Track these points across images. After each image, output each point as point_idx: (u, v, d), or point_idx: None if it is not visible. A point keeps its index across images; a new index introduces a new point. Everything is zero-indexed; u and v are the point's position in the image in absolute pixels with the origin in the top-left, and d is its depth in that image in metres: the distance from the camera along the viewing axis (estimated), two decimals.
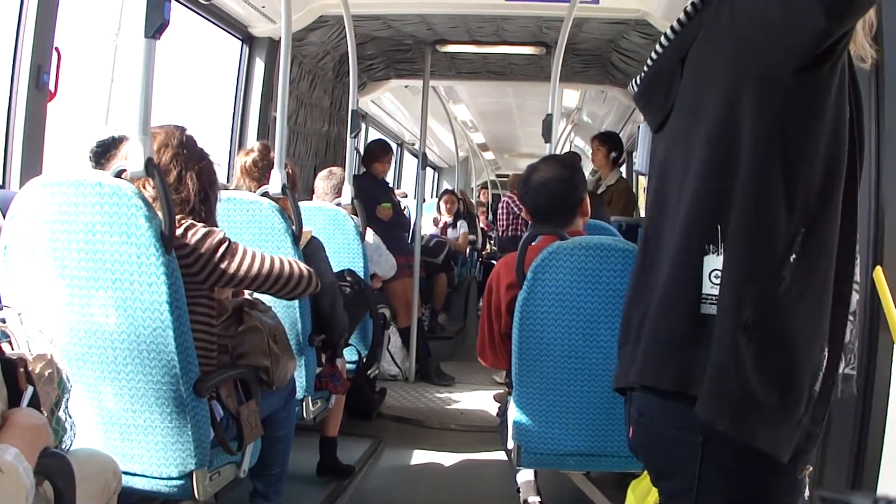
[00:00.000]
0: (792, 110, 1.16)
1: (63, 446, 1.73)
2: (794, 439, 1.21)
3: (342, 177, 4.15)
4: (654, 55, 1.39)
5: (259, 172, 3.03)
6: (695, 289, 1.23)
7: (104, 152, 2.48)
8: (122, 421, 2.04)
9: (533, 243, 2.62)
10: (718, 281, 1.21)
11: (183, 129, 2.19)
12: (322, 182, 4.19)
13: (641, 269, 1.41)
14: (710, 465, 1.24)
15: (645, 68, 1.42)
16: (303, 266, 2.37)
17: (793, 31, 1.12)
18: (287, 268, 2.29)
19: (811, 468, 1.33)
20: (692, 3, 1.31)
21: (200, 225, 2.10)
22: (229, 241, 2.14)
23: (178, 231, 2.02)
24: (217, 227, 2.22)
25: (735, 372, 1.16)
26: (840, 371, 1.29)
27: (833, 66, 1.15)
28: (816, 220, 1.19)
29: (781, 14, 1.12)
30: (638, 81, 1.46)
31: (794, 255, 1.17)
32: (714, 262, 1.22)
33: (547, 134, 3.90)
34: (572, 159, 3.14)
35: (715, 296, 1.21)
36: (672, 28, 1.35)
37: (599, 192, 5.41)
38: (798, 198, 1.17)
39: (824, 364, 1.23)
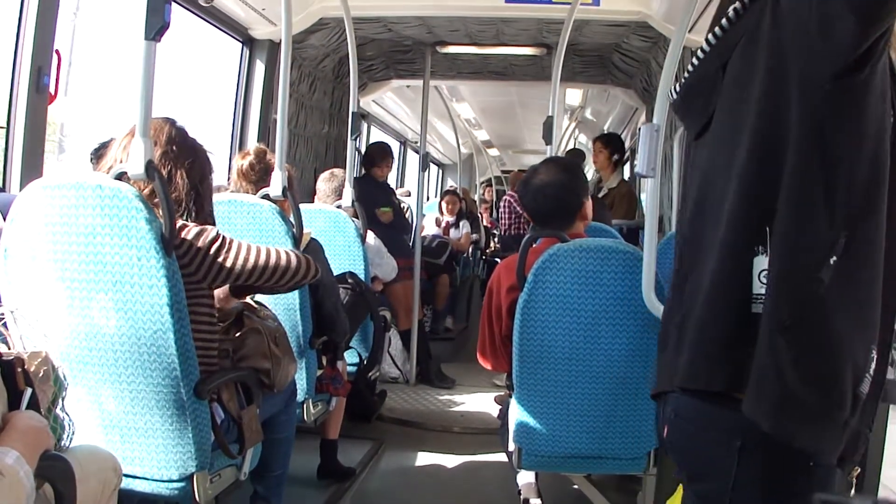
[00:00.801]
0: (832, 115, 1.16)
1: (61, 444, 1.73)
2: (840, 440, 1.20)
3: (343, 179, 4.15)
4: (694, 61, 1.39)
5: (256, 175, 3.02)
6: (745, 289, 1.23)
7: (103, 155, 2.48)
8: (123, 423, 2.04)
9: (534, 245, 2.62)
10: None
11: (172, 123, 2.16)
12: (324, 184, 4.19)
13: (679, 275, 1.41)
14: (746, 470, 1.24)
15: (685, 75, 1.42)
16: (299, 254, 2.34)
17: (829, 38, 1.11)
18: (284, 257, 2.25)
19: (859, 470, 1.34)
20: (734, 9, 1.31)
21: (192, 224, 2.10)
22: (223, 236, 2.13)
23: None
24: (211, 222, 2.21)
25: (775, 372, 1.16)
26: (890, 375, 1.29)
27: (872, 70, 1.15)
28: (860, 224, 1.19)
29: (818, 20, 1.12)
30: (677, 89, 1.45)
31: (834, 258, 1.16)
32: (763, 263, 1.22)
33: (548, 136, 3.90)
34: (573, 162, 3.13)
35: (763, 296, 1.21)
36: (713, 34, 1.35)
37: (601, 195, 5.39)
38: (839, 201, 1.17)
39: (872, 366, 1.23)
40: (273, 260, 2.21)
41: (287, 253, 2.27)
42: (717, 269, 1.27)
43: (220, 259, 2.10)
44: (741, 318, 1.23)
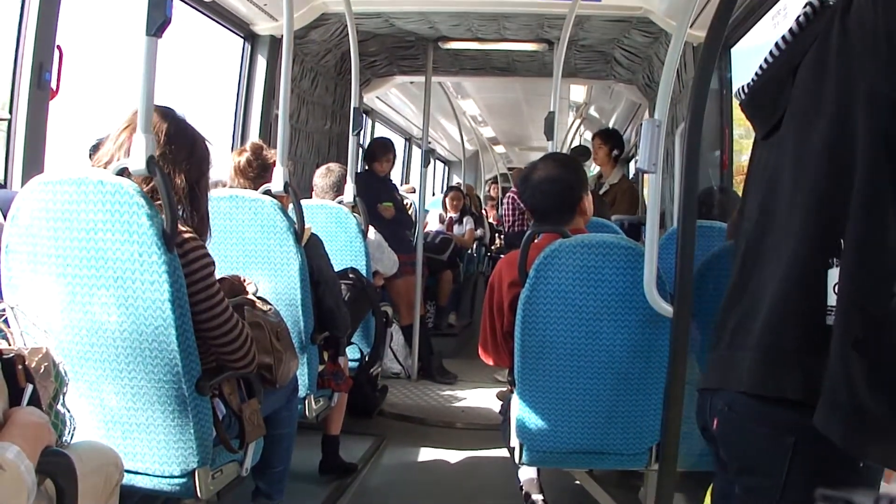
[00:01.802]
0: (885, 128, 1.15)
1: (63, 440, 1.73)
2: None
3: (340, 174, 4.14)
4: (763, 64, 1.38)
5: (253, 172, 3.00)
6: (819, 301, 1.22)
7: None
8: (124, 419, 2.04)
9: (535, 241, 2.62)
10: None
11: (172, 116, 2.10)
12: (320, 180, 4.18)
13: (741, 275, 1.40)
14: (798, 466, 1.25)
15: (754, 77, 1.41)
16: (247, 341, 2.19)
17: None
18: (240, 331, 2.14)
19: None
20: (804, 14, 1.31)
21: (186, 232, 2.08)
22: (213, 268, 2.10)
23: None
24: (206, 223, 2.17)
25: (846, 386, 1.15)
26: None
27: None
28: None
29: (885, 36, 1.12)
30: (745, 89, 1.45)
31: None
32: (837, 275, 1.21)
33: (549, 131, 3.90)
34: (572, 158, 3.13)
35: None
36: (783, 37, 1.34)
37: (602, 191, 5.39)
38: None
39: None
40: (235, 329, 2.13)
41: (244, 333, 2.17)
42: (788, 279, 1.27)
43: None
44: (814, 329, 1.22)
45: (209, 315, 2.05)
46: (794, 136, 1.30)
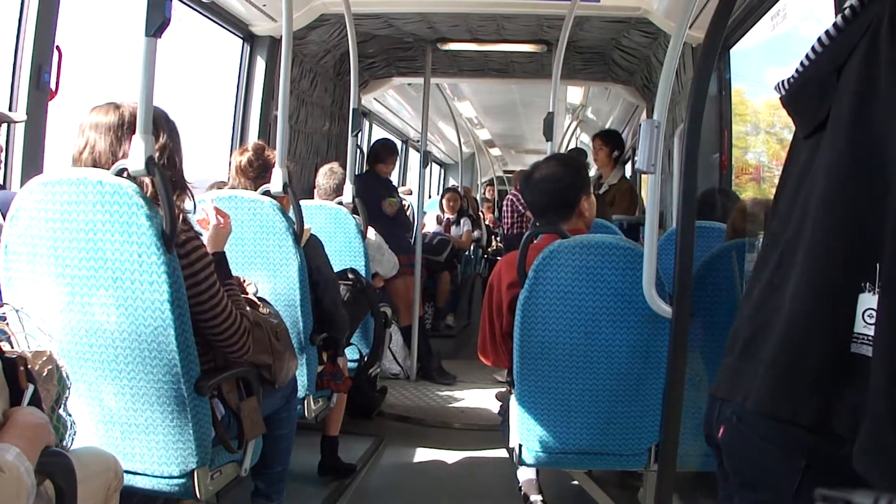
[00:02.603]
0: None
1: (64, 444, 1.73)
2: None
3: (343, 175, 4.15)
4: (805, 61, 1.31)
5: (255, 172, 3.00)
6: (845, 325, 1.15)
7: None
8: (124, 420, 2.04)
9: (534, 242, 2.62)
10: (873, 321, 1.12)
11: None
12: (323, 180, 4.19)
13: (769, 286, 1.32)
14: (808, 491, 1.14)
15: (794, 73, 1.34)
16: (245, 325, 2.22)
17: None
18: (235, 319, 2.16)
19: None
20: (850, 7, 1.24)
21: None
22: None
23: None
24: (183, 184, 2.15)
25: (895, 426, 1.07)
26: None
27: None
28: None
29: None
30: (786, 85, 1.38)
31: None
32: (869, 301, 1.13)
33: (548, 132, 3.90)
34: (576, 159, 3.15)
35: (869, 336, 1.13)
36: (827, 33, 1.27)
37: (601, 191, 5.40)
38: None
39: None
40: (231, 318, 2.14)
41: (240, 318, 2.19)
42: (815, 297, 1.20)
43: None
44: (837, 355, 1.16)
45: (209, 309, 2.07)
46: (836, 144, 1.22)
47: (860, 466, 1.10)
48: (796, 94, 1.35)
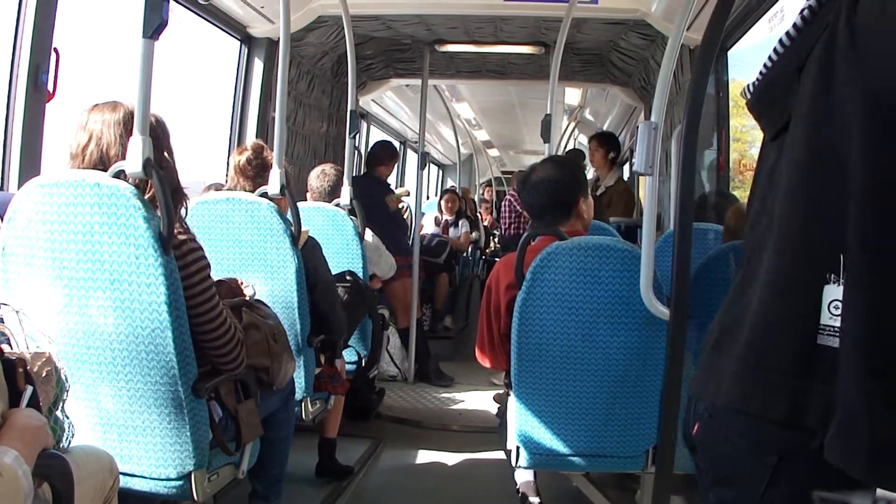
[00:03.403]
0: None
1: (61, 446, 1.73)
2: None
3: (335, 177, 4.14)
4: (767, 62, 1.32)
5: (253, 171, 2.99)
6: (812, 318, 1.15)
7: None
8: (121, 422, 2.04)
9: (532, 243, 2.62)
10: (839, 312, 1.13)
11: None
12: (315, 182, 4.17)
13: (739, 285, 1.33)
14: (779, 486, 1.19)
15: (759, 76, 1.35)
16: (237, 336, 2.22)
17: None
18: (228, 329, 2.17)
19: None
20: (808, 7, 1.24)
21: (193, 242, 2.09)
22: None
23: None
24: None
25: (867, 416, 1.08)
26: None
27: None
28: None
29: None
30: (751, 89, 1.38)
31: None
32: (835, 293, 1.14)
33: (546, 134, 3.91)
34: (573, 161, 3.16)
35: (835, 327, 1.13)
36: (787, 34, 1.28)
37: (598, 193, 5.41)
38: None
39: None
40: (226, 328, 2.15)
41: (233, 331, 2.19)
42: (780, 291, 1.21)
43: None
44: (804, 348, 1.16)
45: (204, 315, 2.07)
46: (798, 140, 1.23)
47: (832, 456, 1.11)
48: (761, 97, 1.36)
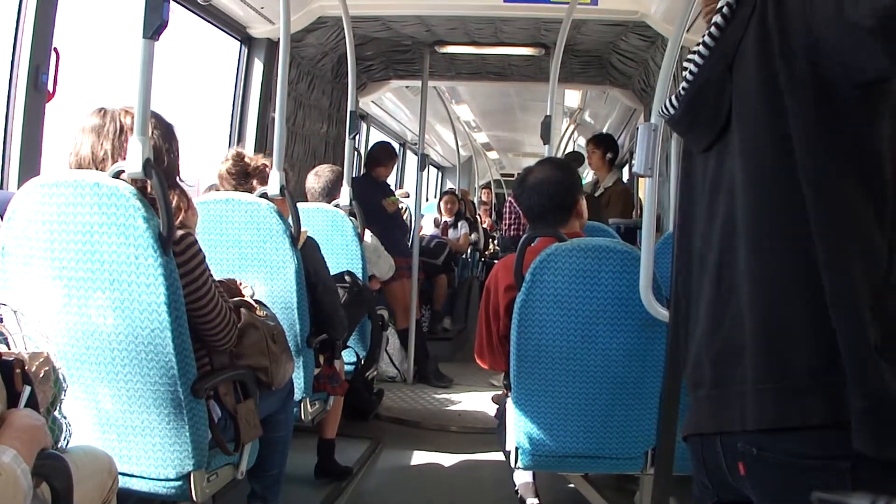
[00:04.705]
0: (862, 120, 1.10)
1: (59, 446, 1.73)
2: None
3: (329, 177, 4.15)
4: (693, 69, 1.28)
5: (234, 179, 2.98)
6: (820, 312, 1.11)
7: None
8: (120, 422, 2.04)
9: (531, 245, 2.62)
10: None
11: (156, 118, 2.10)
12: (310, 183, 4.19)
13: (716, 304, 1.28)
14: (864, 488, 1.09)
15: (682, 87, 1.31)
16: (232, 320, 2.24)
17: (851, 65, 1.06)
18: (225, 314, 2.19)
19: None
20: (727, 4, 1.24)
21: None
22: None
23: None
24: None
25: (888, 394, 1.07)
26: None
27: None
28: None
29: (836, 43, 1.06)
30: (674, 103, 1.34)
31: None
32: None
33: (545, 135, 3.91)
34: (566, 161, 3.16)
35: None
36: (710, 34, 1.25)
37: (597, 194, 5.41)
38: (886, 208, 1.10)
39: None
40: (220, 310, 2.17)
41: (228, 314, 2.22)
42: (777, 296, 1.17)
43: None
44: (821, 343, 1.12)
45: (203, 304, 2.09)
46: (746, 138, 1.21)
47: (863, 445, 1.08)
48: (689, 106, 1.31)
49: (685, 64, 1.32)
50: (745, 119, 1.21)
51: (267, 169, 2.98)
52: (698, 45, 1.28)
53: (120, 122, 2.04)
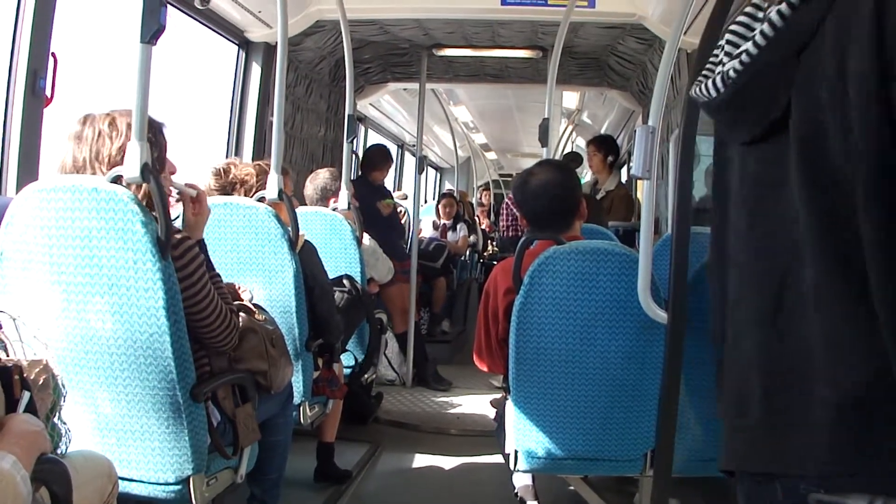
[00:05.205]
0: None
1: (58, 452, 1.73)
2: None
3: (325, 179, 4.16)
4: (752, 50, 1.11)
5: (220, 190, 2.98)
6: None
7: None
8: (119, 426, 2.04)
9: (530, 248, 2.62)
10: None
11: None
12: (307, 189, 4.21)
13: (768, 331, 1.13)
14: None
15: (735, 68, 1.13)
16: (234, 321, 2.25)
17: None
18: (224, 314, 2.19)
19: None
20: None
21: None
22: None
23: None
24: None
25: None
26: None
27: None
28: None
29: None
30: (718, 86, 1.18)
31: None
32: None
33: (544, 138, 3.91)
34: (565, 162, 3.15)
35: None
36: (780, 14, 1.08)
37: (599, 197, 5.40)
38: None
39: None
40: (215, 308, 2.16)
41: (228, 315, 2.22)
42: (847, 323, 1.02)
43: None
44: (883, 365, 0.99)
45: (203, 307, 2.09)
46: (806, 136, 1.06)
47: None
48: (741, 91, 1.15)
49: (729, 37, 1.20)
50: (807, 117, 1.07)
51: (249, 178, 2.97)
52: (769, 19, 1.10)
53: (98, 127, 2.04)
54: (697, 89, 1.23)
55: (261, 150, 4.50)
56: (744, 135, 1.19)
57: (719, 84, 1.17)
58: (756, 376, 1.15)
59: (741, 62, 1.13)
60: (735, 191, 1.23)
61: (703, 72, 1.25)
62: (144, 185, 1.97)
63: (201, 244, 2.28)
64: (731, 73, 1.14)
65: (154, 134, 2.08)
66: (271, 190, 2.88)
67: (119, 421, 2.03)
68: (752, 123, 1.17)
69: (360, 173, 5.50)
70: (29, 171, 2.74)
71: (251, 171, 2.98)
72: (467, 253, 8.66)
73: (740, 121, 1.20)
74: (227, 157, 4.45)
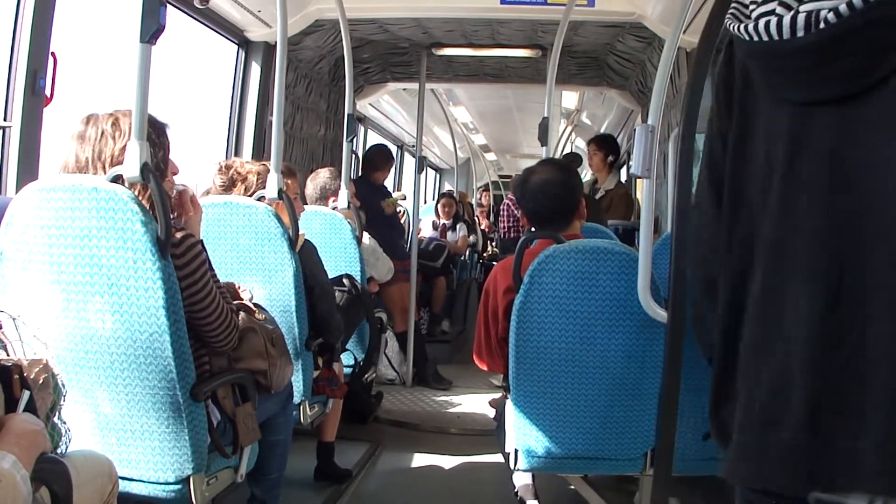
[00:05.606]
0: None
1: (58, 452, 1.73)
2: None
3: (325, 178, 4.16)
4: (843, 9, 0.96)
5: (223, 188, 2.98)
6: None
7: None
8: (119, 426, 2.04)
9: (529, 247, 2.62)
10: None
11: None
12: (308, 189, 4.21)
13: (819, 341, 1.04)
14: None
15: (829, 14, 0.97)
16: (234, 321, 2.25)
17: None
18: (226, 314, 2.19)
19: None
20: None
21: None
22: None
23: None
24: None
25: None
26: None
27: None
28: None
29: None
30: (798, 28, 1.00)
31: None
32: None
33: (543, 137, 3.91)
34: (566, 161, 3.16)
35: None
36: None
37: (598, 196, 5.40)
38: None
39: None
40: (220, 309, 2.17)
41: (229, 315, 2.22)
42: None
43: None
44: None
45: (205, 305, 2.09)
46: None
47: None
48: (840, 39, 0.98)
49: None
50: None
51: (251, 175, 2.98)
52: None
53: (101, 127, 2.04)
54: (744, 28, 1.05)
55: (260, 150, 4.50)
56: (831, 89, 1.03)
57: (800, 25, 1.00)
58: (800, 387, 1.05)
59: (850, 4, 0.96)
60: (774, 154, 1.09)
61: (732, 11, 1.10)
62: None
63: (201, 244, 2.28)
64: (830, 14, 0.97)
65: (157, 135, 2.08)
66: (271, 189, 2.88)
67: (119, 420, 2.03)
68: (839, 79, 1.01)
69: (360, 173, 5.50)
70: (29, 170, 2.74)
71: (252, 169, 2.98)
72: (467, 253, 8.66)
73: (829, 74, 1.02)
74: (226, 156, 4.46)
